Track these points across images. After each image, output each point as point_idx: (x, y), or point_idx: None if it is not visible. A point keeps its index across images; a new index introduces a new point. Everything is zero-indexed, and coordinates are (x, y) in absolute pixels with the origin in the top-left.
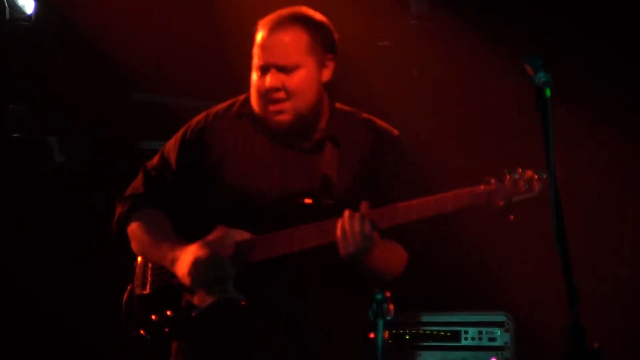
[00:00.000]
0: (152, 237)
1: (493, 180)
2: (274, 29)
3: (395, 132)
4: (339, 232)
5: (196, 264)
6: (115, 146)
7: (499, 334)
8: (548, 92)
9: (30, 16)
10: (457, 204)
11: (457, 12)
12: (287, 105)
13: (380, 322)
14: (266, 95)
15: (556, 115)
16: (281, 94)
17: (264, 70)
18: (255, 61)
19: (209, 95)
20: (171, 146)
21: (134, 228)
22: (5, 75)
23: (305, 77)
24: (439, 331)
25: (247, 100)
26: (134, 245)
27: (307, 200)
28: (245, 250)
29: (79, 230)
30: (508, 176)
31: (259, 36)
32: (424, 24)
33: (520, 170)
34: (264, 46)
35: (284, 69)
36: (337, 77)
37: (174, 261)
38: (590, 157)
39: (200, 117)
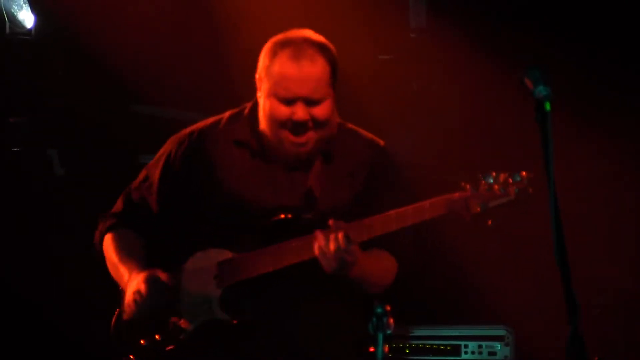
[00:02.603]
0: (117, 258)
1: (468, 187)
2: (298, 57)
3: (381, 142)
4: (317, 251)
5: (131, 300)
6: (114, 159)
7: (499, 347)
8: (548, 106)
9: (30, 30)
10: (434, 211)
11: (456, 25)
12: (311, 136)
13: (380, 336)
14: (288, 125)
15: (555, 122)
16: (309, 124)
17: (290, 101)
18: (277, 90)
19: (208, 108)
20: (154, 166)
21: (105, 247)
22: (5, 89)
23: (330, 106)
24: (439, 345)
25: (235, 119)
26: (106, 264)
27: (288, 216)
28: (228, 270)
29: (78, 243)
30: (483, 181)
31: (279, 64)
32: (423, 37)
33: (494, 174)
34: (291, 78)
35: (312, 102)
36: (337, 90)
37: (125, 285)
38: (590, 164)
39: (183, 134)
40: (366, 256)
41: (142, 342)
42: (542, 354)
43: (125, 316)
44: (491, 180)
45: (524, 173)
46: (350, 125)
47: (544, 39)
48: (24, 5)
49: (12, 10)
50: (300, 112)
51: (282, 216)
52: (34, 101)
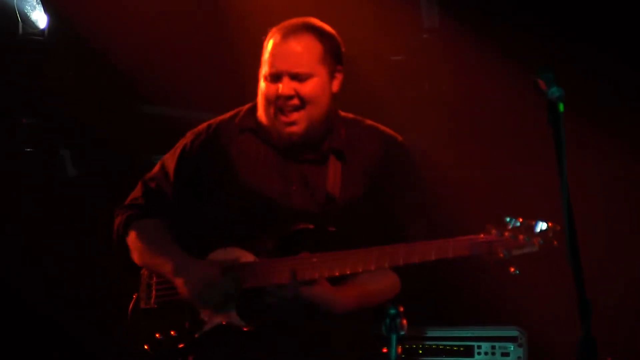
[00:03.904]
0: (152, 246)
1: (493, 231)
2: (286, 36)
3: (400, 137)
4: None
5: (200, 284)
6: (126, 159)
7: (512, 348)
8: (561, 107)
9: (42, 31)
10: (457, 251)
11: (468, 25)
12: (300, 115)
13: (394, 337)
14: (277, 103)
15: (566, 125)
16: (295, 101)
17: (276, 78)
18: (266, 69)
19: (219, 107)
20: (171, 157)
21: (133, 238)
22: (18, 89)
23: (319, 86)
24: (452, 346)
25: (250, 111)
26: (135, 255)
27: (309, 226)
28: (248, 274)
29: (89, 243)
30: (508, 226)
31: (270, 44)
32: (435, 37)
33: (521, 220)
34: (276, 54)
35: (297, 77)
36: (349, 90)
37: (175, 273)
38: (600, 167)
39: (201, 128)
40: (363, 285)
41: (157, 335)
42: (555, 355)
43: (192, 301)
44: (517, 226)
45: (550, 224)
46: (369, 122)
47: (555, 40)
48: (37, 5)
49: (25, 11)
50: (285, 86)
51: (304, 226)
52: (46, 101)
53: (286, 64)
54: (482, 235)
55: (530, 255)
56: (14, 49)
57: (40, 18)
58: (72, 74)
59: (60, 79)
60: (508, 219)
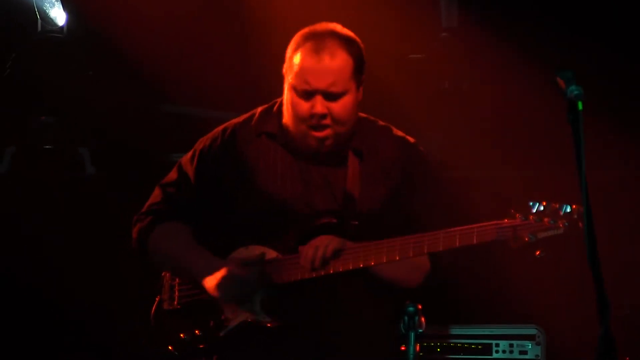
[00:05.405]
0: (177, 249)
1: (518, 215)
2: (318, 51)
3: (412, 140)
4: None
5: (226, 279)
6: (145, 157)
7: (530, 347)
8: (580, 106)
9: (61, 28)
10: (482, 237)
11: (487, 24)
12: (331, 132)
13: (412, 335)
14: (311, 121)
15: (586, 128)
16: (327, 121)
17: (309, 95)
18: (296, 82)
19: (238, 106)
20: (189, 161)
21: (156, 241)
22: (37, 87)
23: (350, 103)
24: (470, 344)
25: (266, 114)
26: (158, 259)
27: (332, 220)
28: (273, 271)
29: (109, 243)
30: (532, 210)
31: (300, 57)
32: (454, 36)
33: (545, 203)
34: (309, 70)
35: (331, 96)
36: (369, 89)
37: (201, 274)
38: (620, 168)
39: (216, 132)
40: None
41: (181, 335)
42: (573, 353)
43: (218, 297)
44: (541, 210)
45: (574, 206)
46: (382, 123)
47: (574, 39)
48: (55, 3)
49: (44, 8)
50: (318, 106)
51: (329, 221)
52: (65, 100)
53: (321, 83)
54: (506, 220)
55: (555, 237)
56: (32, 46)
57: (59, 15)
58: (91, 71)
59: (79, 76)
60: (532, 203)
